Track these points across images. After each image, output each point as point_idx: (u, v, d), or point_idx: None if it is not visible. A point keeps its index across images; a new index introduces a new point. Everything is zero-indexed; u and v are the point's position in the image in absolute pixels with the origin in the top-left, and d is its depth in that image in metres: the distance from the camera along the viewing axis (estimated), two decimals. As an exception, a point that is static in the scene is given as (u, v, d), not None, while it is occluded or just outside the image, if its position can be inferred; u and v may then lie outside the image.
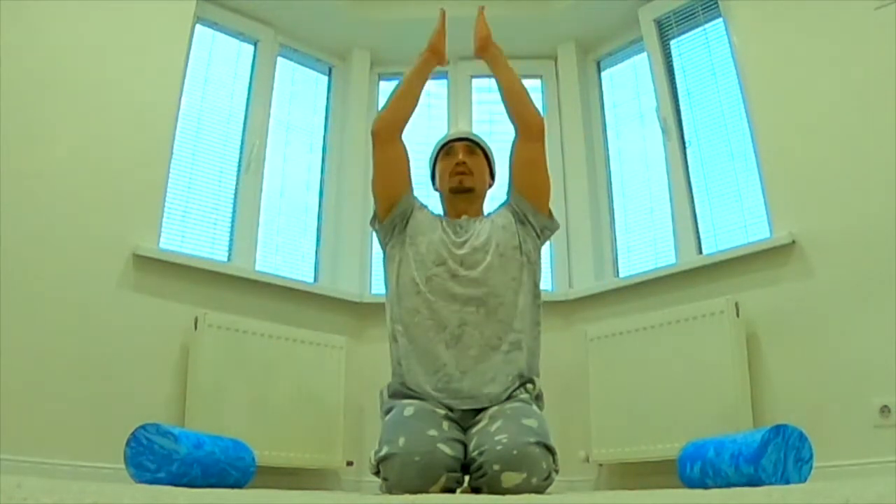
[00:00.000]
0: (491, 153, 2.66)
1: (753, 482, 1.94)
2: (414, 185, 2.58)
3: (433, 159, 2.68)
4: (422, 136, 4.30)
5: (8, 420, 2.59)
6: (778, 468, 1.98)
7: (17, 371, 2.71)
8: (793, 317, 2.96)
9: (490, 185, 2.69)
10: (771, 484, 1.91)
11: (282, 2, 4.00)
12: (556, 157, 4.20)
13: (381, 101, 4.42)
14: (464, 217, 2.53)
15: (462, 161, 2.53)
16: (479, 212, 2.60)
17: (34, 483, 0.97)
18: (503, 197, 2.62)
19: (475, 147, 2.60)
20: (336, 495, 2.07)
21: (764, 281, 3.08)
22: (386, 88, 4.48)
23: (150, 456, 2.14)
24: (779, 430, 2.01)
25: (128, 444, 2.17)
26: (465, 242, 2.41)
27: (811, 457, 2.05)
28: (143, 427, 2.18)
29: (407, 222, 2.48)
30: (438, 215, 2.57)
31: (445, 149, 2.61)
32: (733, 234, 3.46)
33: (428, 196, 2.70)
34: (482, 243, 2.39)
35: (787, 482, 1.96)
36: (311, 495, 1.51)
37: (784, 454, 2.00)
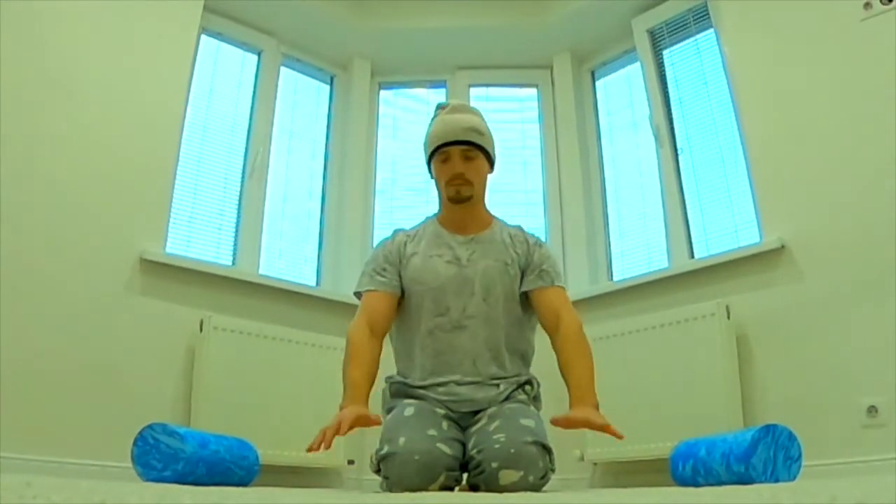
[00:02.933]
0: (492, 146, 2.36)
1: (743, 480, 1.94)
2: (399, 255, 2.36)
3: (428, 152, 2.36)
4: (420, 146, 4.31)
5: (18, 420, 2.59)
6: (767, 467, 1.98)
7: (27, 372, 2.71)
8: (782, 319, 2.96)
9: (490, 171, 2.42)
10: (760, 482, 1.91)
11: (285, 12, 4.01)
12: (553, 163, 4.22)
13: (382, 110, 4.45)
14: (463, 239, 2.33)
15: (459, 172, 2.27)
16: (480, 215, 2.38)
17: (44, 481, 0.97)
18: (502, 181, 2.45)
19: (473, 148, 2.28)
20: (337, 493, 2.07)
21: (754, 284, 3.09)
22: (386, 97, 4.49)
23: (156, 455, 2.14)
24: (768, 429, 2.01)
25: (135, 443, 2.17)
26: (466, 285, 2.25)
27: (800, 455, 2.05)
28: (149, 426, 2.18)
29: (400, 273, 2.34)
30: (433, 232, 2.38)
31: (441, 152, 2.28)
32: (724, 238, 3.47)
33: (425, 187, 2.66)
34: (485, 288, 2.25)
35: (777, 480, 1.96)
36: (313, 493, 1.51)
37: (773, 453, 2.00)
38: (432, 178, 2.42)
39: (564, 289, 2.34)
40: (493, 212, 2.46)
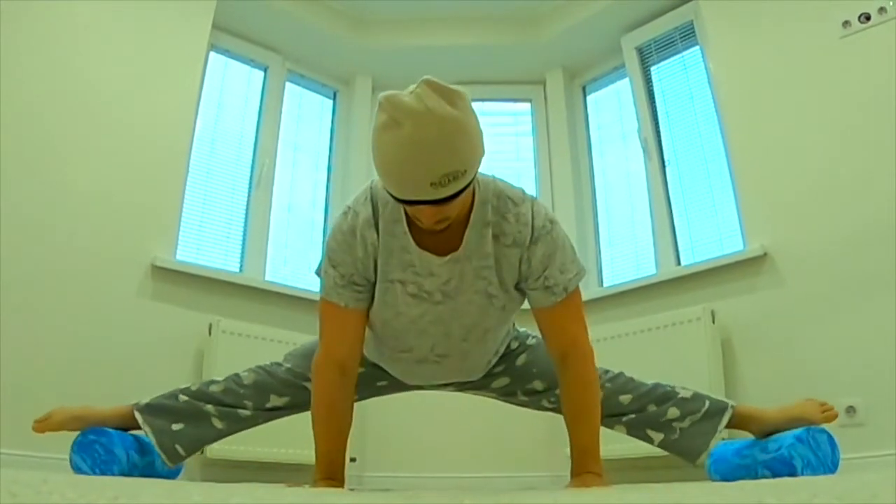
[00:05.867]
0: (477, 163, 1.46)
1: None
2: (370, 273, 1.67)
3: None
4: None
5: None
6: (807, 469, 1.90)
7: (43, 372, 2.71)
8: (764, 323, 2.97)
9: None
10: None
11: (290, 31, 4.03)
12: (546, 174, 4.22)
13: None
14: (438, 261, 1.64)
15: (431, 223, 1.50)
16: (460, 226, 1.62)
17: (59, 478, 0.97)
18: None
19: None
20: (339, 491, 2.07)
21: (738, 290, 3.09)
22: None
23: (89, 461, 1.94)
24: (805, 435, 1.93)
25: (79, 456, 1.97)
26: (436, 324, 1.73)
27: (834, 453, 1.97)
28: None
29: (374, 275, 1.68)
30: (399, 242, 1.63)
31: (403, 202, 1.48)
32: (709, 246, 3.47)
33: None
34: (464, 328, 1.76)
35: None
36: (317, 490, 1.51)
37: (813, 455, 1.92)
38: None
39: (577, 293, 1.71)
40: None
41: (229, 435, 2.03)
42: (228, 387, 2.02)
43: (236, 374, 2.04)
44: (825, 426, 1.92)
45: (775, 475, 1.88)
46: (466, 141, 1.40)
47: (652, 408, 1.96)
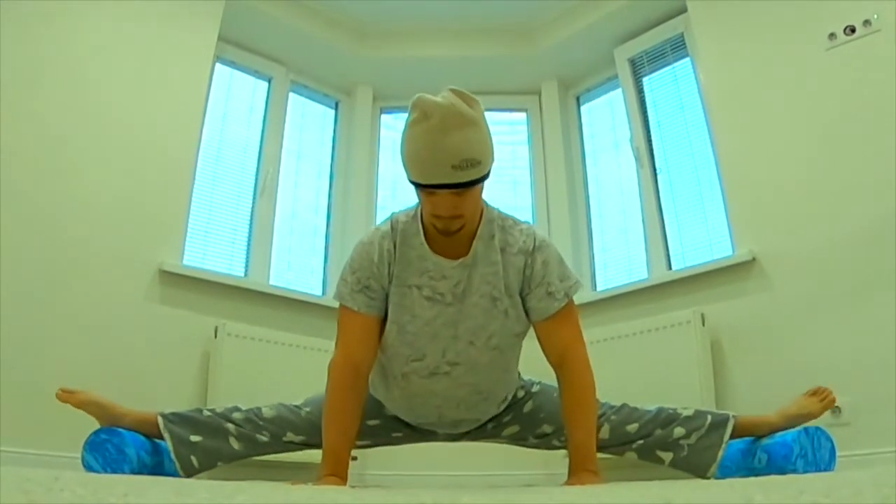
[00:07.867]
0: (490, 159, 1.69)
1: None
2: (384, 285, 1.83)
3: (408, 177, 1.69)
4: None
5: (47, 419, 2.59)
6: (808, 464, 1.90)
7: (52, 375, 2.70)
8: (753, 326, 2.97)
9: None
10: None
11: (293, 43, 4.04)
12: (541, 182, 4.23)
13: (383, 133, 4.45)
14: (450, 265, 1.79)
15: (448, 215, 1.68)
16: (469, 237, 1.80)
17: (70, 476, 0.97)
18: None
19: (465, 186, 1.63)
20: (341, 489, 2.07)
21: (727, 294, 3.10)
22: (387, 121, 4.50)
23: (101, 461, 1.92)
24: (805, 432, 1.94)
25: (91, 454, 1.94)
26: (446, 327, 1.81)
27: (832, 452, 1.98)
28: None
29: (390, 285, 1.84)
30: (417, 252, 1.81)
31: (426, 189, 1.65)
32: (699, 251, 3.48)
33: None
34: (471, 331, 1.82)
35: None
36: (320, 488, 1.51)
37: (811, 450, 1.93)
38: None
39: (574, 305, 1.86)
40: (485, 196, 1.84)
41: (244, 457, 2.04)
42: (249, 417, 2.07)
43: (258, 408, 2.09)
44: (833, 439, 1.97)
45: (770, 457, 1.91)
46: (482, 136, 1.64)
47: (658, 431, 2.01)
